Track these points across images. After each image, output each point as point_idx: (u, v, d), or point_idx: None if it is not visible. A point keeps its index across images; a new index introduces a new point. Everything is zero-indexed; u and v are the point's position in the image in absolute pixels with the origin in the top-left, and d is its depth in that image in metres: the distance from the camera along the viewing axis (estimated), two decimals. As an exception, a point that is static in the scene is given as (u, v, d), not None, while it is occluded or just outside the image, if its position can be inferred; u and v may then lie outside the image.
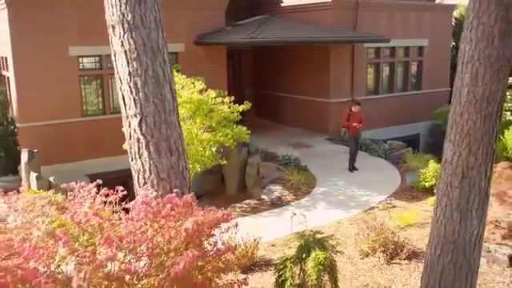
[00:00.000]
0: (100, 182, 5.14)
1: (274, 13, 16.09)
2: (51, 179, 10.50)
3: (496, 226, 7.58)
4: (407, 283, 6.44)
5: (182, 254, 3.78)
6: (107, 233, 3.76)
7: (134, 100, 5.09)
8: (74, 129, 12.15)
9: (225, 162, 10.40)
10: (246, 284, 4.11)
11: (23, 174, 11.07)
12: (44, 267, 3.66)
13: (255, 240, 7.19)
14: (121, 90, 5.22)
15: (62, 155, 11.82)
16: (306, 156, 12.92)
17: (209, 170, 10.86)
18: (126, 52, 5.05)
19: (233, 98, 10.33)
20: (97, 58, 12.45)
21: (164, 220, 4.02)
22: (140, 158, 5.20)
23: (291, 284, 5.19)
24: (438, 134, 15.16)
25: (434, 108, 16.06)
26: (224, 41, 13.54)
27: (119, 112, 14.27)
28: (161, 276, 3.77)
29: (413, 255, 7.12)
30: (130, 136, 5.24)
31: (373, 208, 9.66)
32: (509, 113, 14.51)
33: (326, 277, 5.30)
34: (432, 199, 9.09)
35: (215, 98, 10.08)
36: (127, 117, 5.21)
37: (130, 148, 5.29)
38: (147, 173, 5.18)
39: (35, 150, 10.99)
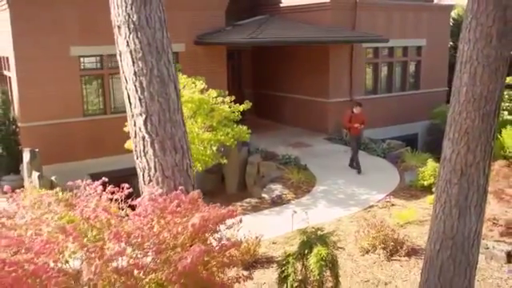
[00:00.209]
0: (106, 179, 5.22)
1: (274, 13, 16.20)
2: (53, 178, 10.58)
3: (494, 223, 7.70)
4: (407, 279, 6.54)
5: (189, 250, 3.87)
6: (116, 228, 3.85)
7: (140, 99, 5.18)
8: (75, 128, 12.23)
9: (225, 161, 10.51)
10: (251, 278, 4.21)
11: (25, 173, 11.14)
12: (53, 262, 3.76)
13: (257, 237, 7.29)
14: (126, 89, 5.31)
15: (63, 155, 11.90)
16: (306, 155, 13.02)
17: (209, 169, 10.95)
18: (131, 52, 5.14)
19: (233, 98, 10.43)
20: (98, 58, 12.53)
21: (171, 216, 4.12)
22: (145, 156, 5.28)
23: (293, 279, 5.29)
24: (436, 134, 15.31)
25: (433, 108, 16.19)
26: (224, 41, 13.63)
27: (120, 112, 14.38)
28: (167, 271, 3.87)
29: (412, 252, 7.23)
30: (136, 134, 5.33)
31: (372, 206, 9.77)
32: (506, 112, 14.62)
33: (328, 272, 5.39)
34: (430, 197, 9.20)
35: (216, 97, 10.19)
36: (132, 115, 5.30)
37: (135, 146, 5.38)
38: (152, 170, 5.27)
39: (37, 150, 11.07)
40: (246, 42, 13.98)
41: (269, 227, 8.51)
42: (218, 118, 10.19)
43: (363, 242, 7.40)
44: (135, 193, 5.04)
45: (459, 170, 5.07)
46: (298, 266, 5.40)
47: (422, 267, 5.66)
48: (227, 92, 11.47)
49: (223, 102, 10.25)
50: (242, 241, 4.21)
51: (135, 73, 5.16)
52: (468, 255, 5.27)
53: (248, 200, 10.50)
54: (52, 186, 10.26)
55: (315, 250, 5.15)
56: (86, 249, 3.68)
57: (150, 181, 5.25)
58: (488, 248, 7.03)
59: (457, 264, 5.28)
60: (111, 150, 11.98)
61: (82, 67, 12.38)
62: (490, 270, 6.71)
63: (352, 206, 9.86)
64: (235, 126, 10.43)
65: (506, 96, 15.08)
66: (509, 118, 14.30)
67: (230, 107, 10.26)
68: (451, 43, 18.32)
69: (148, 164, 5.29)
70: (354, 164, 12.05)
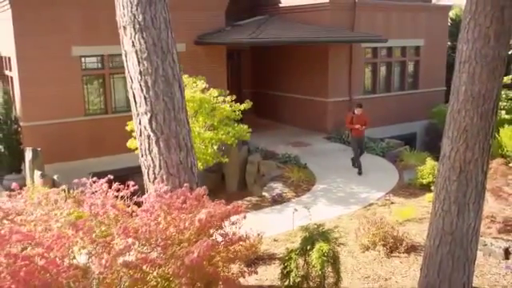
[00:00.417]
0: (111, 177, 5.31)
1: (274, 13, 16.30)
2: (55, 177, 10.65)
3: (492, 220, 7.81)
4: (407, 275, 6.65)
5: (195, 245, 3.98)
6: (124, 224, 3.95)
7: (145, 98, 5.29)
8: (77, 128, 12.30)
9: (226, 159, 10.60)
10: (256, 273, 4.31)
11: (27, 172, 11.22)
12: (62, 257, 3.85)
13: (259, 234, 7.37)
14: (131, 88, 5.41)
15: (65, 154, 11.97)
16: (305, 154, 13.13)
17: (209, 168, 11.04)
18: (136, 52, 5.25)
19: (234, 97, 10.53)
20: (99, 58, 12.60)
21: (177, 212, 4.22)
22: (150, 154, 5.39)
23: (296, 275, 5.39)
24: (435, 133, 15.44)
25: (431, 107, 16.32)
26: (224, 41, 13.72)
27: (120, 111, 14.44)
28: (174, 266, 3.96)
29: (411, 249, 7.33)
30: (141, 133, 5.44)
31: (372, 204, 9.88)
32: (504, 111, 14.76)
33: (329, 268, 5.49)
34: (429, 196, 9.31)
35: (217, 97, 10.29)
36: (138, 114, 5.41)
37: (140, 144, 5.48)
38: (157, 168, 5.38)
39: (39, 149, 11.15)
40: (247, 42, 14.08)
41: (270, 225, 8.60)
42: (219, 117, 10.30)
43: (363, 239, 7.50)
44: (137, 191, 5.14)
45: (458, 168, 5.18)
46: (301, 261, 5.50)
47: (422, 263, 5.77)
48: (228, 92, 11.57)
49: (224, 101, 10.36)
50: (247, 235, 4.28)
51: (140, 72, 5.26)
52: (467, 251, 5.39)
53: (248, 198, 10.60)
54: (54, 184, 10.34)
55: (317, 246, 5.25)
56: (95, 243, 3.78)
57: (155, 178, 5.36)
58: (486, 245, 7.13)
59: (455, 259, 5.39)
60: (112, 150, 12.08)
61: (84, 67, 12.45)
62: (488, 266, 6.82)
63: (352, 204, 9.96)
64: (236, 125, 10.53)
65: (504, 95, 15.21)
66: (506, 117, 14.44)
67: (230, 106, 10.37)
68: (449, 43, 18.46)
69: (153, 162, 5.39)
70: (356, 164, 12.12)
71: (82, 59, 12.34)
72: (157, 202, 4.22)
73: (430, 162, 10.98)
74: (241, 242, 4.29)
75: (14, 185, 5.04)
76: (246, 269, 4.82)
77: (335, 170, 12.09)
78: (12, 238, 3.78)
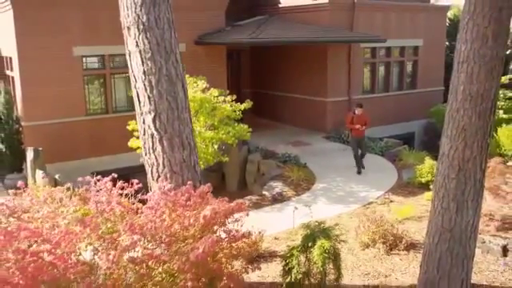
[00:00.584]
0: (115, 175, 5.39)
1: (273, 13, 16.39)
2: (57, 176, 10.73)
3: (490, 218, 7.90)
4: (406, 272, 6.74)
5: (200, 240, 4.06)
6: (130, 221, 4.03)
7: (149, 97, 5.36)
8: (78, 127, 12.37)
9: (226, 159, 10.68)
10: (259, 269, 4.39)
11: (29, 171, 11.29)
12: (69, 253, 3.93)
13: (260, 232, 7.44)
14: (135, 87, 5.49)
15: (66, 153, 12.04)
16: (305, 154, 13.21)
17: (210, 167, 11.11)
18: (140, 52, 5.32)
19: (235, 97, 10.61)
20: (100, 58, 12.68)
21: (181, 209, 4.30)
22: (154, 152, 5.47)
23: (297, 272, 5.47)
24: (433, 132, 15.55)
25: (429, 107, 16.42)
26: (224, 41, 13.80)
27: (121, 111, 14.50)
28: (179, 262, 4.04)
29: (411, 246, 7.42)
30: (144, 132, 5.51)
31: (371, 203, 9.97)
32: (502, 111, 14.87)
33: (331, 265, 5.57)
34: (428, 194, 9.40)
35: (217, 96, 10.37)
36: (141, 113, 5.48)
37: (144, 143, 5.56)
38: (161, 166, 5.45)
39: (40, 149, 11.22)
40: (247, 42, 14.17)
41: (270, 223, 8.68)
42: (220, 117, 10.38)
43: (363, 237, 7.58)
44: (141, 189, 5.22)
45: (457, 166, 5.27)
46: (302, 258, 5.58)
47: (421, 260, 5.85)
48: (228, 91, 11.65)
49: (224, 101, 10.44)
50: (250, 232, 4.36)
51: (144, 72, 5.34)
52: (465, 247, 5.47)
53: (249, 197, 10.67)
54: (56, 184, 10.41)
55: (319, 243, 5.33)
56: (102, 240, 3.86)
57: (159, 176, 5.43)
58: (484, 242, 7.23)
59: (454, 256, 5.48)
60: (113, 149, 12.16)
61: (85, 67, 12.52)
62: (486, 263, 6.91)
63: (351, 202, 10.05)
64: (236, 124, 10.61)
65: (502, 95, 15.32)
66: (504, 116, 14.54)
67: (231, 106, 10.44)
68: (447, 43, 18.57)
69: (156, 160, 5.47)
70: (357, 163, 12.15)
71: (83, 59, 12.41)
72: (162, 200, 4.29)
73: (428, 161, 11.07)
74: (244, 239, 4.36)
75: (19, 183, 5.11)
76: (248, 266, 4.91)
77: (335, 169, 12.18)
78: (20, 235, 3.85)
